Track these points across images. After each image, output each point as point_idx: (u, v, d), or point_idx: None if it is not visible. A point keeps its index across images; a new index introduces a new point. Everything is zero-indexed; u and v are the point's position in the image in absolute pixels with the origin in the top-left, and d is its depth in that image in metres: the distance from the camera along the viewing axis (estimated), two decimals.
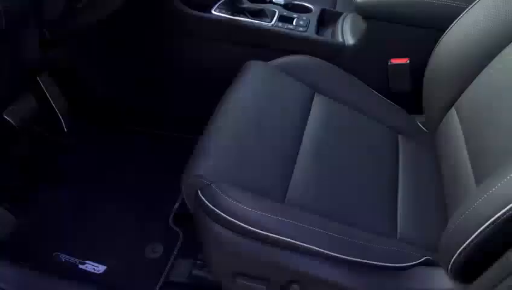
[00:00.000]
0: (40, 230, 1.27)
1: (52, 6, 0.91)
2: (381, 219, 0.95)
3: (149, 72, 1.45)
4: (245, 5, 1.33)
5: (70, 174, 1.41)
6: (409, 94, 1.27)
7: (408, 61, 1.24)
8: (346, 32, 1.32)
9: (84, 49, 1.44)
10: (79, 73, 1.48)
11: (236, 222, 0.82)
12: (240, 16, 1.31)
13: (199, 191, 0.88)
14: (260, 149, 0.97)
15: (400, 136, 1.15)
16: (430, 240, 0.90)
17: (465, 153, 0.96)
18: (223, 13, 1.32)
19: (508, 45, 0.96)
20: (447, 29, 1.10)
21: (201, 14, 1.31)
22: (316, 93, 1.15)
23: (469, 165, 0.93)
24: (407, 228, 0.95)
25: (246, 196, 0.86)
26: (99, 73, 1.50)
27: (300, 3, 1.44)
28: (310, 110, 1.11)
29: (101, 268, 1.20)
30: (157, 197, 1.34)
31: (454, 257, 0.75)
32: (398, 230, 0.95)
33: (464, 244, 0.72)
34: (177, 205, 1.33)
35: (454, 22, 1.09)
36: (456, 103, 1.06)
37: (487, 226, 0.68)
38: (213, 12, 1.32)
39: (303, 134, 1.04)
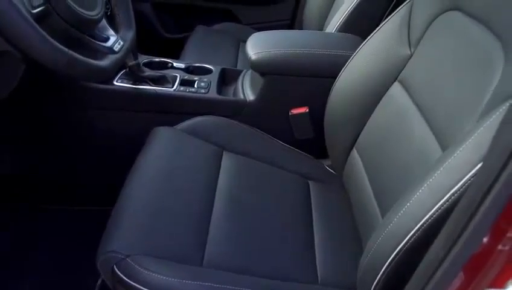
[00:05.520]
0: None
1: None
2: (301, 267, 0.97)
3: (56, 145, 1.42)
4: (146, 73, 1.34)
5: None
6: (313, 140, 1.32)
7: (307, 110, 1.31)
8: (247, 89, 1.37)
9: None
10: None
11: None
12: (141, 84, 1.33)
13: (115, 267, 0.86)
14: (173, 215, 0.97)
15: (310, 182, 1.20)
16: (351, 279, 0.91)
17: (370, 191, 1.01)
18: (125, 83, 1.32)
19: (391, 86, 1.03)
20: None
21: (103, 86, 1.31)
22: (224, 152, 1.18)
23: (375, 203, 0.97)
24: (327, 271, 0.98)
25: (163, 265, 0.86)
26: (3, 149, 1.45)
27: (200, 65, 1.48)
28: (219, 169, 1.13)
29: None
30: (79, 277, 1.28)
31: None
32: (319, 275, 0.97)
33: (375, 281, 0.75)
34: (99, 281, 1.28)
35: (342, 69, 1.16)
36: (356, 144, 1.11)
37: (392, 260, 0.72)
38: (115, 83, 1.32)
39: (215, 193, 1.05)
